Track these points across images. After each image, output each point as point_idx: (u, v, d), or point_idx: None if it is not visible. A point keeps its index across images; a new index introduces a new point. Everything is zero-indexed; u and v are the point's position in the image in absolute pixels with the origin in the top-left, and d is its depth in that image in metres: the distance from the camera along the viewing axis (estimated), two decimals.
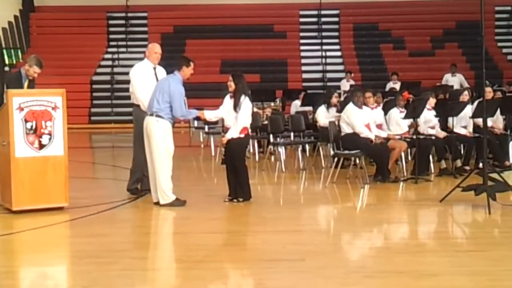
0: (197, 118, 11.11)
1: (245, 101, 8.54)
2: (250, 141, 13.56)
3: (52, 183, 8.07)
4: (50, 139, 8.08)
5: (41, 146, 8.04)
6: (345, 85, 19.44)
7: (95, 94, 24.02)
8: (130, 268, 5.93)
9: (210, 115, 9.00)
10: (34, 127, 7.99)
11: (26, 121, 7.96)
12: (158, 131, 8.35)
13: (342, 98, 14.81)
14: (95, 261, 6.14)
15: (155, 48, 9.10)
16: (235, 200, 8.58)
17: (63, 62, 24.15)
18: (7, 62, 25.06)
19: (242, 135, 8.54)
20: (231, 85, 8.63)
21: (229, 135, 8.56)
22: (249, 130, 8.78)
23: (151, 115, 8.39)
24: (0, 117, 8.25)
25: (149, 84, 8.83)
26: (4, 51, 25.02)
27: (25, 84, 8.90)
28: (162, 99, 8.34)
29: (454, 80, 19.57)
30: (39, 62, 9.01)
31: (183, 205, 8.41)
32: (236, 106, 8.54)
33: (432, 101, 11.13)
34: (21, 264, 6.36)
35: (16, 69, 8.99)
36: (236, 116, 8.53)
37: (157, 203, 8.43)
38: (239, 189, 8.61)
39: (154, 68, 9.07)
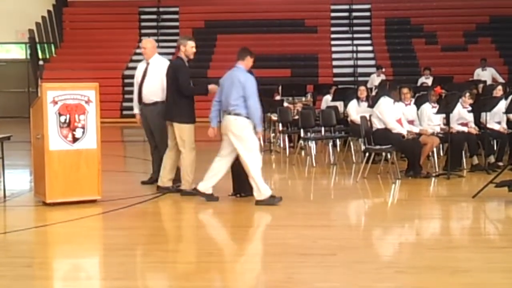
0: None
1: None
2: (281, 135, 13.69)
3: (85, 176, 8.16)
4: (83, 132, 8.16)
5: (75, 140, 8.13)
6: (375, 80, 19.31)
7: (126, 88, 24.09)
8: (162, 261, 5.98)
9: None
10: (67, 120, 8.08)
11: (60, 114, 8.04)
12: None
13: (373, 93, 14.74)
14: (127, 254, 6.21)
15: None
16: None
17: (96, 57, 24.35)
18: (40, 56, 25.32)
19: None
20: None
21: None
22: None
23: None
24: (34, 110, 8.37)
25: None
26: (38, 45, 25.29)
27: None
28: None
29: (485, 74, 19.36)
30: (187, 36, 9.08)
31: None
32: None
33: (467, 101, 10.97)
34: (54, 256, 6.45)
35: (175, 58, 8.87)
36: None
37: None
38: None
39: None
